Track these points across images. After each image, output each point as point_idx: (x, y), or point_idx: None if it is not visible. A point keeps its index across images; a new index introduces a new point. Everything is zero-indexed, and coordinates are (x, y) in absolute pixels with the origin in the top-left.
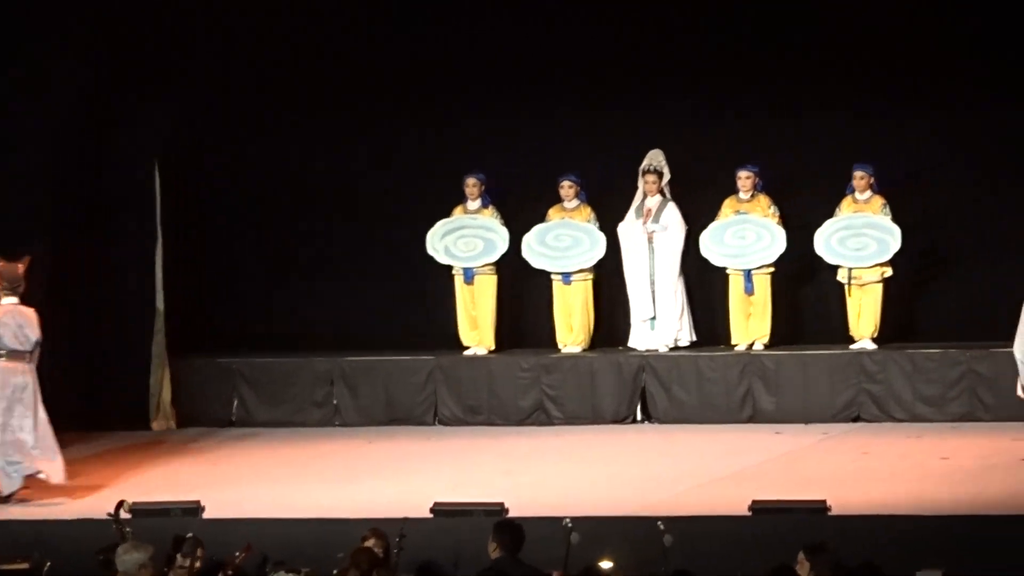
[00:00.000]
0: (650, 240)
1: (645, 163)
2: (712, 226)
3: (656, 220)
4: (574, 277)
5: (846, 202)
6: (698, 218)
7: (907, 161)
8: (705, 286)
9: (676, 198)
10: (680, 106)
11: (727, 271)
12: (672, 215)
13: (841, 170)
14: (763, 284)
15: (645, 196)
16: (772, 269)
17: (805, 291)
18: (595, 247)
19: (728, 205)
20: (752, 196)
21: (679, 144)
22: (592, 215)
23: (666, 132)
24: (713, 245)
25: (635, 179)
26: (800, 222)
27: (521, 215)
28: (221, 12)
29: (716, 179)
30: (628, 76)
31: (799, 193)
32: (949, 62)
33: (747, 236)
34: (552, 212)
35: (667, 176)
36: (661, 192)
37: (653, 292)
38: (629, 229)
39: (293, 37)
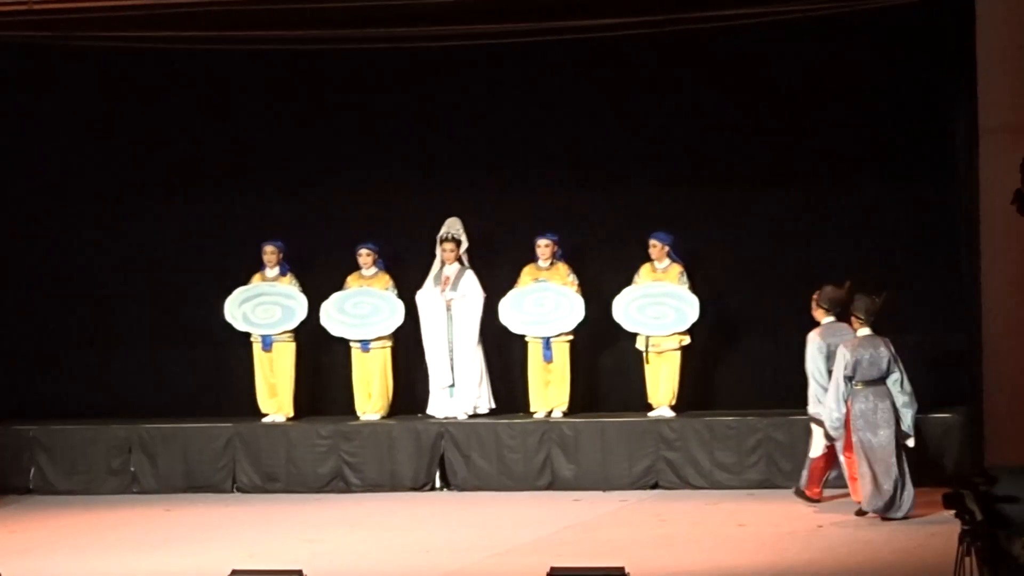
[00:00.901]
0: (448, 308)
1: (443, 231)
2: (511, 293)
3: (454, 288)
4: (373, 344)
5: (644, 270)
6: (497, 285)
7: (702, 232)
8: (504, 353)
9: (474, 266)
10: (478, 175)
11: (526, 338)
12: (470, 283)
13: (639, 238)
14: (562, 352)
15: (443, 264)
16: (571, 337)
17: (604, 358)
18: (394, 315)
19: (527, 273)
20: (551, 264)
21: (477, 212)
22: (390, 283)
23: (464, 200)
24: (512, 312)
25: (433, 247)
26: (599, 290)
27: (320, 283)
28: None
29: (515, 247)
30: (426, 144)
31: (598, 261)
32: (740, 142)
33: (546, 304)
34: (350, 280)
35: (465, 244)
36: (459, 260)
37: (452, 359)
38: (427, 297)
39: (87, 106)
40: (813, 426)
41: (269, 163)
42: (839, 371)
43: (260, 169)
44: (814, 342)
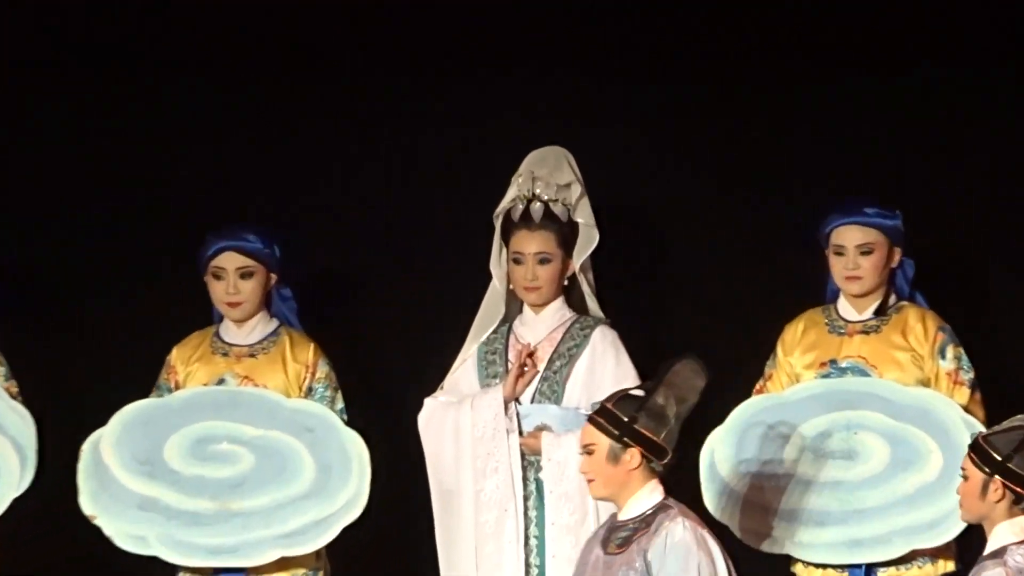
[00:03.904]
0: (527, 451)
1: (521, 186)
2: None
3: (550, 392)
4: None
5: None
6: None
7: None
8: None
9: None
10: None
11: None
12: (607, 374)
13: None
14: None
15: (511, 309)
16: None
17: None
18: (329, 486)
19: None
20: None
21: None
22: (320, 363)
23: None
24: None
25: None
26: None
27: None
28: None
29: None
30: None
31: None
32: None
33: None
34: (179, 358)
35: (588, 249)
36: (564, 297)
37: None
38: (460, 417)
39: None
40: None
41: None
42: None
43: None
44: None
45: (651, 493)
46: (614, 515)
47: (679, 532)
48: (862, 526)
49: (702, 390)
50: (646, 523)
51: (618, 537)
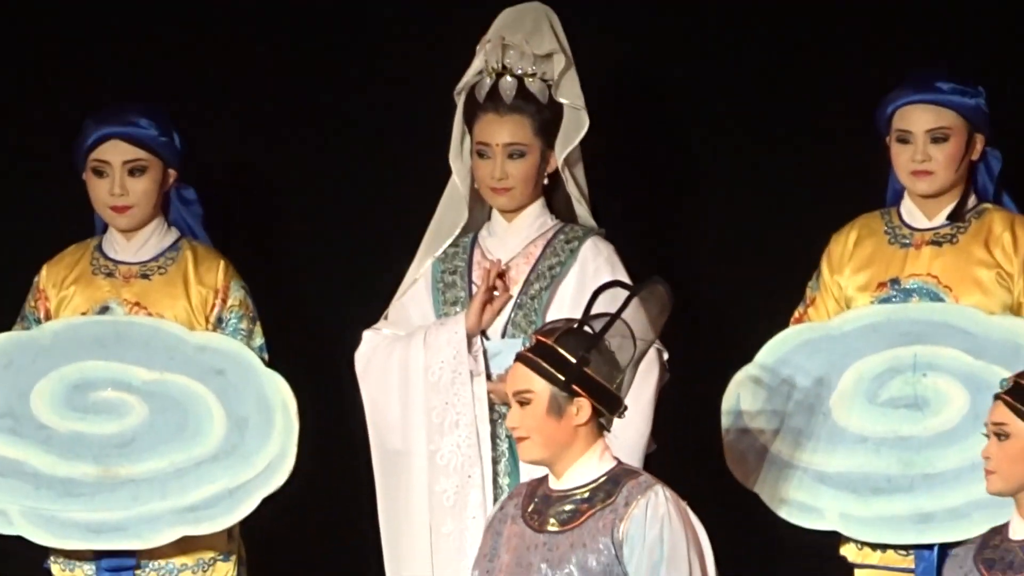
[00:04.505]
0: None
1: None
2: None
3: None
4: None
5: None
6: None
7: None
8: None
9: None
10: None
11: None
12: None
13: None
14: None
15: (476, 213)
16: None
17: None
18: (248, 444)
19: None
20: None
21: None
22: (234, 285)
23: None
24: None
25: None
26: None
27: None
28: None
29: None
30: None
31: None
32: None
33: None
34: (48, 276)
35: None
36: (544, 198)
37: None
38: (412, 352)
39: None
40: None
41: None
42: None
43: None
44: None
45: (601, 456)
46: (535, 482)
47: (662, 506)
48: (933, 496)
49: (664, 324)
50: (606, 494)
51: (559, 512)
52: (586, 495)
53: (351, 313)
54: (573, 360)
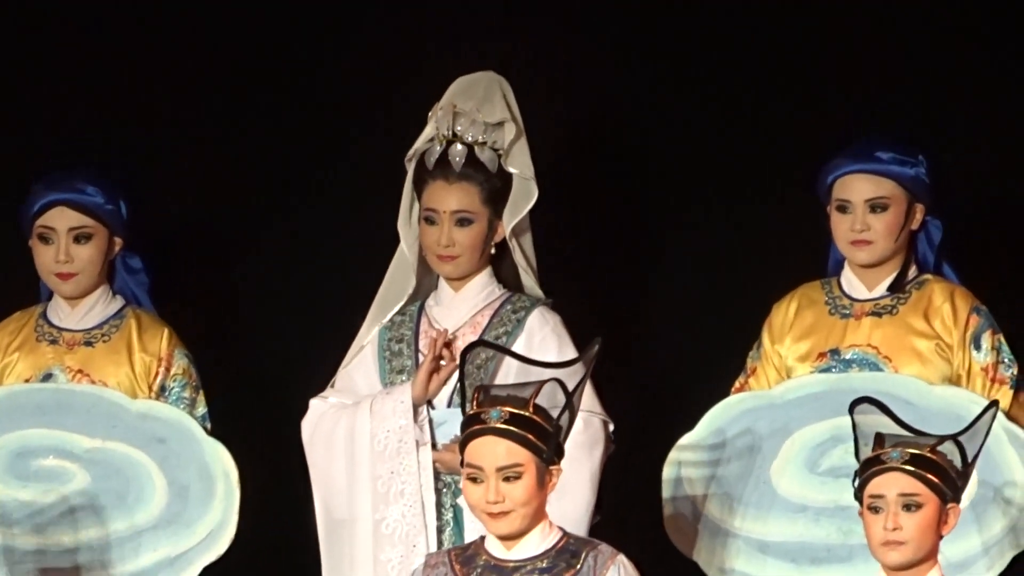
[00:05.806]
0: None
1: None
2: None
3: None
4: None
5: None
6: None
7: None
8: None
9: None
10: None
11: None
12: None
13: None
14: None
15: (426, 284)
16: None
17: None
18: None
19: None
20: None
21: None
22: (177, 355)
23: None
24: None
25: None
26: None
27: None
28: None
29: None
30: None
31: None
32: None
33: None
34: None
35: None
36: (490, 266)
37: None
38: (359, 422)
39: None
40: None
41: None
42: None
43: None
44: None
45: (550, 524)
46: (458, 551)
47: (632, 573)
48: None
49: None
50: (566, 564)
51: None
52: (544, 565)
53: (299, 381)
54: (551, 430)
